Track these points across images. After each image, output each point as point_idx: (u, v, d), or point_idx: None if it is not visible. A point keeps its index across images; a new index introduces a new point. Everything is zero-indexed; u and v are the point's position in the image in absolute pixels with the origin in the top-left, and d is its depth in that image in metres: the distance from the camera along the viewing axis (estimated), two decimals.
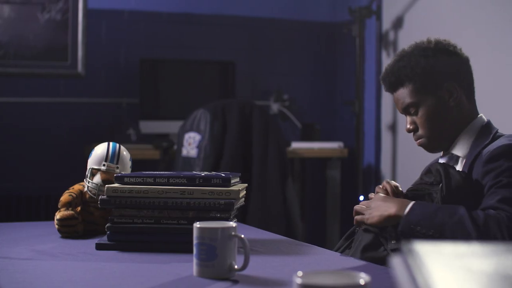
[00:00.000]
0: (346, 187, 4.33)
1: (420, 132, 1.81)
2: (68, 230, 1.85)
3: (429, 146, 1.83)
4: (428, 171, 1.73)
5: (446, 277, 0.59)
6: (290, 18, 4.61)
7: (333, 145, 4.22)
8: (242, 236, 1.36)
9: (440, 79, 1.79)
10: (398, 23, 4.08)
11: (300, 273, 0.95)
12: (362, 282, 0.95)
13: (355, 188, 4.18)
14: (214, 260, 1.34)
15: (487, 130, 1.78)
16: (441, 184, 1.64)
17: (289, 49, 4.63)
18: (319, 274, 0.99)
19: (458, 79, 1.80)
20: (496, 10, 3.32)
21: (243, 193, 1.77)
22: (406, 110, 1.83)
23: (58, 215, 1.85)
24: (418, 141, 1.83)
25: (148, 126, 4.04)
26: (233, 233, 1.36)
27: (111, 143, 1.95)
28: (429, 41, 1.83)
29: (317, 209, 4.52)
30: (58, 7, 4.04)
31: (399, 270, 0.68)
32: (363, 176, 4.25)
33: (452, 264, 0.64)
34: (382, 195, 1.70)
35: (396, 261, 0.70)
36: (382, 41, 4.23)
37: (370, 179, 4.34)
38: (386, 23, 4.18)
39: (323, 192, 4.42)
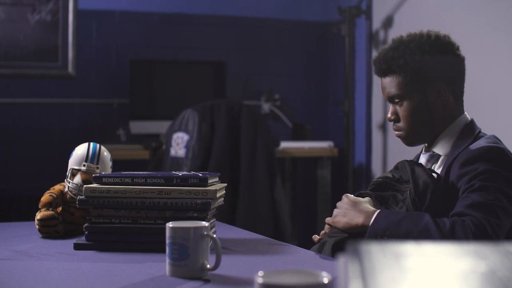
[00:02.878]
0: (336, 187, 4.34)
1: (401, 124, 1.80)
2: (48, 230, 1.86)
3: (407, 139, 1.82)
4: (395, 167, 1.73)
5: (379, 277, 0.60)
6: (281, 18, 4.62)
7: (323, 145, 4.23)
8: (214, 236, 1.36)
9: (431, 78, 1.76)
10: (388, 23, 4.09)
11: (261, 273, 0.96)
12: (325, 281, 0.95)
13: (345, 187, 4.18)
14: (186, 260, 1.35)
15: (469, 130, 1.77)
16: (409, 187, 1.64)
17: (280, 49, 4.64)
18: (281, 274, 0.99)
19: (449, 80, 1.78)
20: (485, 9, 3.33)
21: (221, 193, 1.77)
22: (391, 99, 1.81)
23: (38, 215, 1.86)
24: (397, 133, 1.82)
25: (139, 127, 4.05)
26: (205, 232, 1.36)
27: (91, 144, 1.95)
28: (428, 35, 1.78)
29: (308, 208, 4.53)
30: (49, 8, 4.05)
31: (341, 269, 0.69)
32: (353, 175, 4.25)
33: (391, 264, 0.64)
34: (351, 199, 1.70)
35: (341, 261, 0.71)
36: (372, 40, 4.24)
37: (361, 178, 4.35)
38: (376, 23, 4.19)
39: (313, 191, 4.42)
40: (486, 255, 0.67)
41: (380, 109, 4.19)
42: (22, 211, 3.86)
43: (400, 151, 4.07)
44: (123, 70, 4.17)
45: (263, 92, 4.53)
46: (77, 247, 1.67)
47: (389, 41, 1.89)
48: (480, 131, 1.77)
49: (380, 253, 0.68)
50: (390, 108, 1.82)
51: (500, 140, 1.74)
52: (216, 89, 4.27)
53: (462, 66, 1.81)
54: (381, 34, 4.14)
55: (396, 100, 1.79)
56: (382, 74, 1.81)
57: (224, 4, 4.50)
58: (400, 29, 4.05)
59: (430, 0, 3.76)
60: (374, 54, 4.15)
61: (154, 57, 4.30)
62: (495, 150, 1.66)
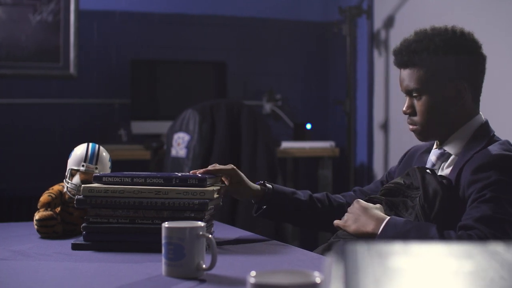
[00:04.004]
0: (338, 187, 4.33)
1: (417, 118, 1.76)
2: (47, 230, 1.86)
3: (421, 134, 1.78)
4: (406, 173, 1.73)
5: (362, 278, 0.60)
6: (282, 18, 4.62)
7: (324, 145, 4.23)
8: (210, 236, 1.37)
9: (453, 75, 1.73)
10: (389, 22, 4.09)
11: (253, 273, 0.96)
12: (317, 280, 0.95)
13: (347, 187, 4.18)
14: (182, 260, 1.35)
15: (483, 132, 1.74)
16: (419, 194, 1.64)
17: (281, 49, 4.64)
18: (273, 273, 0.99)
19: (470, 80, 1.75)
20: (486, 9, 3.33)
21: (220, 194, 1.78)
22: (408, 93, 1.76)
23: (37, 216, 1.87)
24: (411, 127, 1.78)
25: (140, 127, 4.06)
26: (201, 232, 1.37)
27: (90, 144, 1.96)
28: (453, 31, 1.74)
29: None
30: (50, 9, 4.06)
31: (326, 270, 0.69)
32: (355, 175, 4.25)
33: (375, 264, 0.65)
34: (363, 205, 1.70)
35: (327, 261, 0.71)
36: (374, 40, 4.24)
37: (363, 178, 4.35)
38: (378, 22, 4.19)
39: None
40: (473, 255, 0.67)
41: (381, 109, 4.19)
42: (22, 211, 3.87)
43: (402, 151, 4.05)
44: (123, 70, 4.18)
45: (264, 92, 4.54)
46: (75, 247, 1.67)
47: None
48: (494, 134, 1.74)
49: (365, 253, 0.68)
50: (407, 101, 1.77)
51: None
52: (217, 89, 4.27)
53: (483, 65, 1.78)
54: (383, 34, 4.13)
55: (414, 94, 1.75)
56: (403, 65, 1.76)
57: (224, 4, 4.50)
58: (402, 29, 4.06)
59: None
60: (376, 53, 4.18)
61: (154, 57, 4.31)
62: (509, 159, 1.63)
